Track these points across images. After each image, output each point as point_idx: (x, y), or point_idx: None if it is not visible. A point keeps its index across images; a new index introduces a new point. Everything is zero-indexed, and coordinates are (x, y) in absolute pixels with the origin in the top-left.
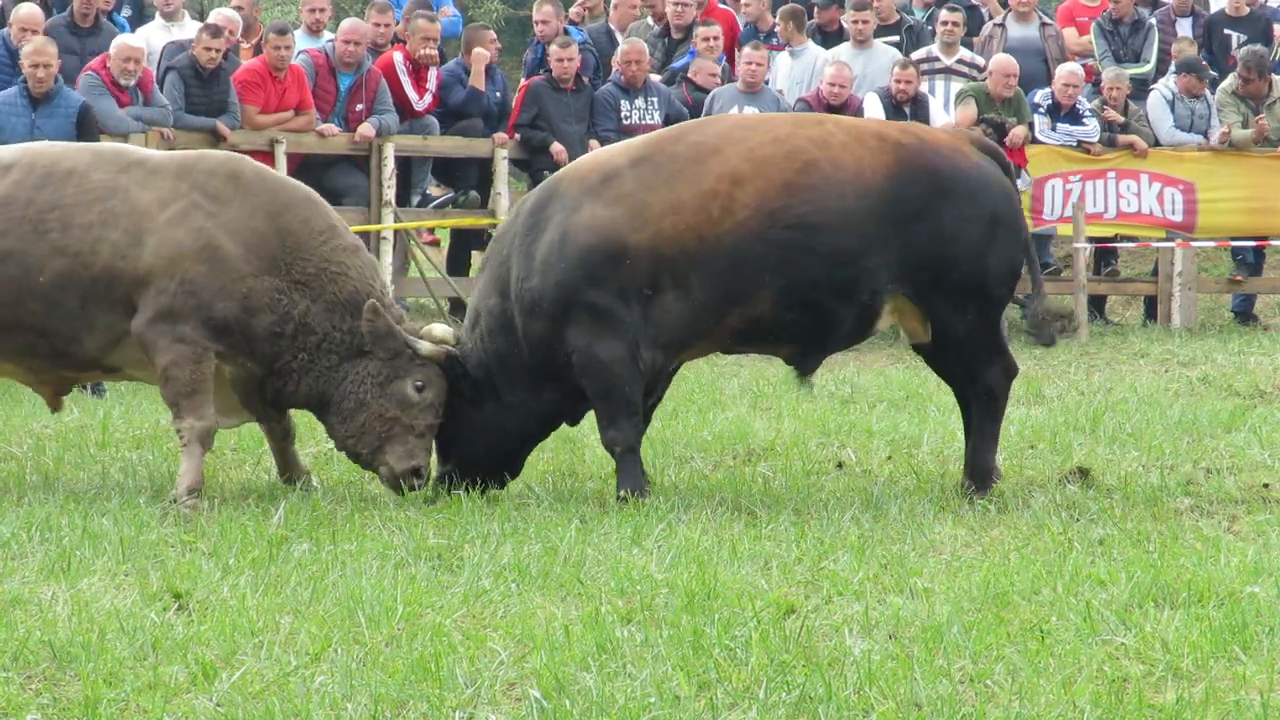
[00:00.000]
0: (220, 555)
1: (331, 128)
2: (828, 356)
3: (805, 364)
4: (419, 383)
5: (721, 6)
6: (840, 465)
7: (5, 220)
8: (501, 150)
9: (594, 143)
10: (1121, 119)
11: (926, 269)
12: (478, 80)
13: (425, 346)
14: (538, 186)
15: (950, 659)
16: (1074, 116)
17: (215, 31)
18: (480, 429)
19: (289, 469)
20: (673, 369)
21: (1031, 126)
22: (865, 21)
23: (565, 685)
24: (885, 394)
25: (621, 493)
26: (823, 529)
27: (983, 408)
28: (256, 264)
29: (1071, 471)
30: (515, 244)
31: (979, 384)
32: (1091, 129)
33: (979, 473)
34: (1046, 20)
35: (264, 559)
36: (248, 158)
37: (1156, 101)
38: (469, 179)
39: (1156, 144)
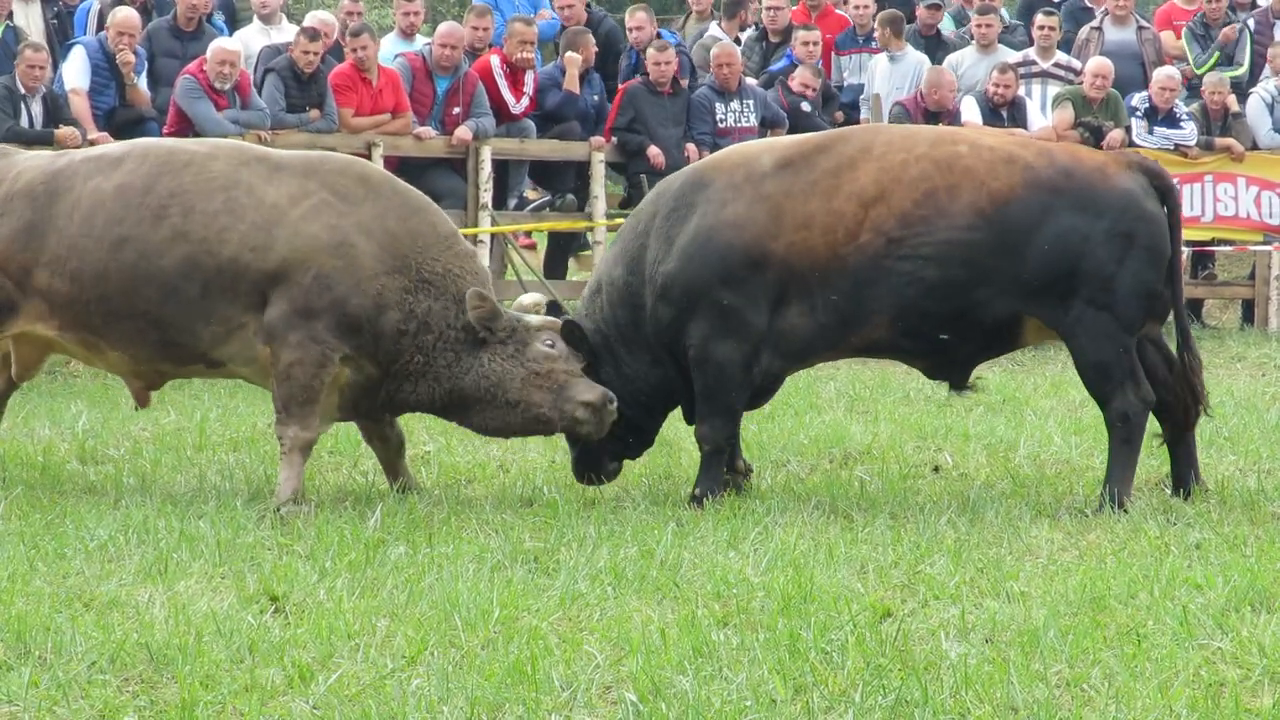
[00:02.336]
0: (317, 558)
1: (428, 131)
2: (970, 371)
3: (944, 379)
4: (547, 340)
5: (838, 12)
6: (937, 469)
7: (122, 207)
8: (598, 153)
9: (690, 146)
10: (1236, 109)
11: (1051, 290)
12: (571, 84)
13: (534, 318)
14: (684, 170)
15: (1047, 663)
16: (1171, 120)
17: (313, 35)
18: None
19: (397, 480)
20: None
21: (1128, 130)
22: (989, 25)
23: (661, 688)
24: (982, 398)
25: (698, 490)
26: (919, 533)
27: (1115, 434)
28: (388, 262)
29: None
30: (655, 224)
31: (1111, 409)
32: (1188, 132)
33: (1111, 495)
34: (1144, 24)
35: (361, 562)
36: (371, 162)
37: (1256, 104)
38: (566, 182)
39: (1254, 147)
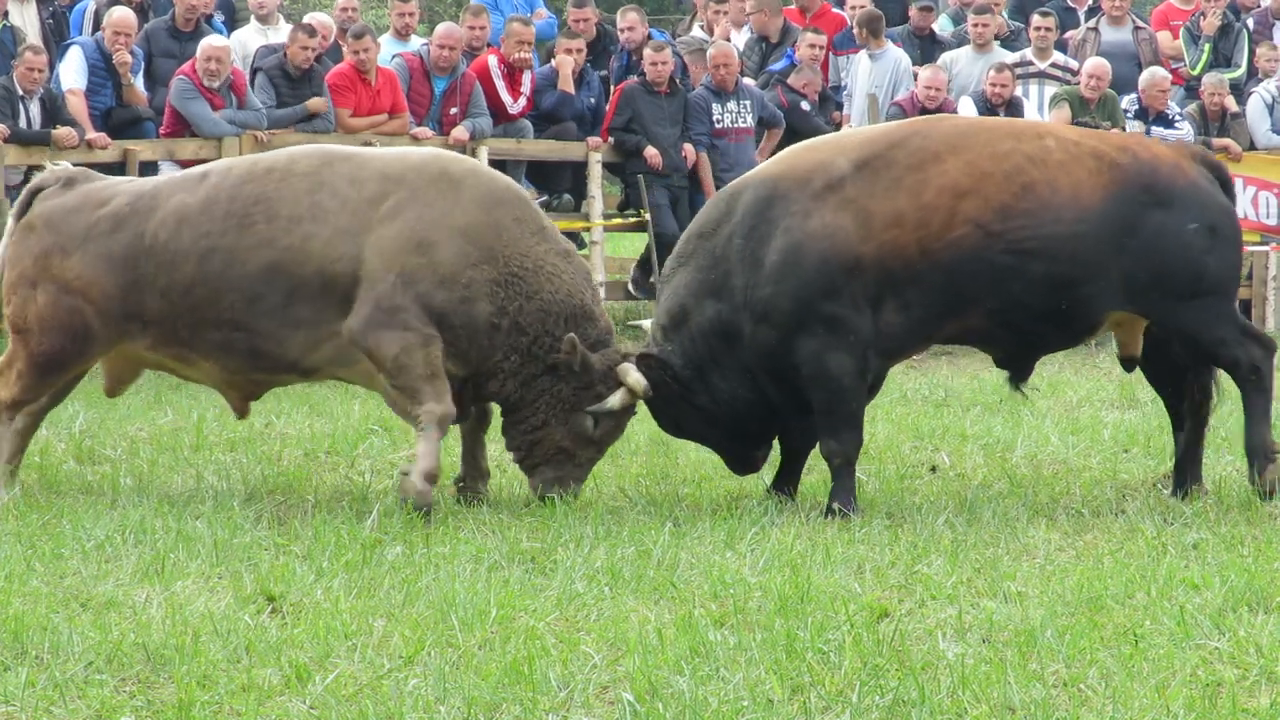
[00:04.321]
0: (314, 558)
1: (425, 131)
2: (1036, 362)
3: (1014, 368)
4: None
5: (835, 11)
6: (934, 469)
7: (208, 219)
8: (595, 154)
9: (687, 147)
10: (1235, 110)
11: (1153, 287)
12: (565, 84)
13: (615, 401)
14: (749, 185)
15: (1044, 663)
16: (1165, 121)
17: (311, 31)
18: (698, 423)
19: (472, 463)
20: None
21: (1125, 131)
22: (985, 25)
23: (658, 688)
24: (979, 398)
25: (835, 505)
26: (916, 533)
27: (1252, 386)
28: (474, 254)
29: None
30: (734, 247)
31: (1241, 367)
32: (1184, 133)
33: (1260, 451)
34: (1140, 24)
35: (358, 562)
36: (456, 154)
37: (1256, 105)
38: (563, 182)
39: (1252, 147)
